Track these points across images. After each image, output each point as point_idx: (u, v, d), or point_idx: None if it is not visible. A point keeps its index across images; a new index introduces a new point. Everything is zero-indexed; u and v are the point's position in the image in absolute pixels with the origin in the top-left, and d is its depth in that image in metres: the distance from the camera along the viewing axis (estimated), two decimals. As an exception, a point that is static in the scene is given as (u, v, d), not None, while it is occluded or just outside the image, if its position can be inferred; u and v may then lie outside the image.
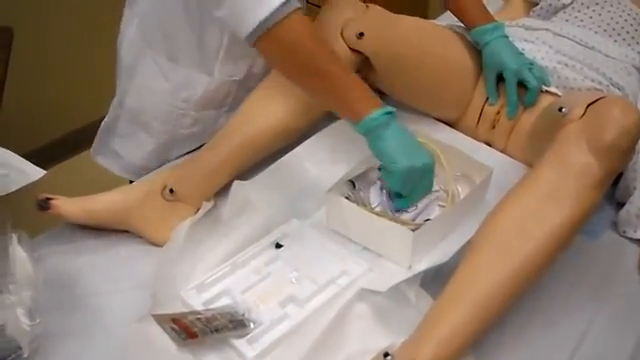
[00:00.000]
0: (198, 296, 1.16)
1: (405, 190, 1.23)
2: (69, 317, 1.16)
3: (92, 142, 1.59)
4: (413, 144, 1.22)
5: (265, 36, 1.14)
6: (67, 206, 1.29)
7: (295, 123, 1.38)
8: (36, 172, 1.21)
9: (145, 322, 1.10)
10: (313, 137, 1.43)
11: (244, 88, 1.47)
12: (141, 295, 1.17)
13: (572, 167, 1.12)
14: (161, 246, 1.28)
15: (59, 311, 1.15)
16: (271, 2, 1.11)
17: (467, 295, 1.06)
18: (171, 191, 1.30)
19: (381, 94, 1.54)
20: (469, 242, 1.14)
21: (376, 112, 1.18)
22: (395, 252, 1.21)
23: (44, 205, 1.28)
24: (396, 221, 1.24)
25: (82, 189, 1.34)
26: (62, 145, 2.64)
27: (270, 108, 1.36)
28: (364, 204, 1.28)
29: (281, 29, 1.14)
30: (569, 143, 1.14)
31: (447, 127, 1.57)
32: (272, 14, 1.12)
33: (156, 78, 1.45)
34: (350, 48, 1.36)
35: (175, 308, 1.14)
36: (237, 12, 1.15)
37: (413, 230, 1.17)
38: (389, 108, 1.20)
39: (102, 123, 1.58)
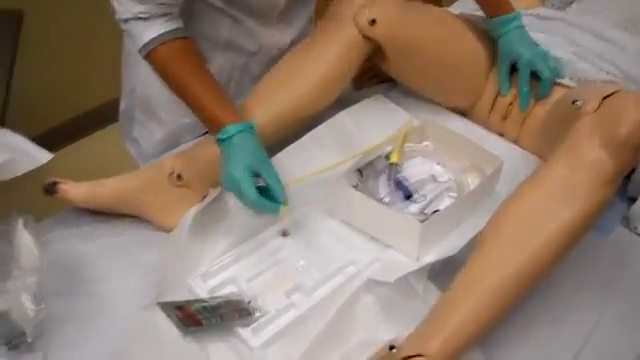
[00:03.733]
0: (204, 284, 1.16)
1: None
2: (74, 302, 1.15)
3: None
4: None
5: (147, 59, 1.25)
6: (75, 190, 1.28)
7: (302, 111, 1.37)
8: (44, 155, 1.21)
9: (150, 309, 1.10)
10: (320, 126, 1.41)
11: (247, 74, 1.45)
12: (147, 282, 1.17)
13: (584, 163, 1.11)
14: (169, 231, 1.28)
15: (64, 296, 1.15)
16: (142, 38, 1.22)
17: (475, 290, 1.05)
18: (179, 177, 1.30)
19: (393, 81, 1.54)
20: (478, 235, 1.13)
21: (230, 126, 1.17)
22: (403, 243, 1.20)
23: (51, 189, 1.27)
24: (404, 211, 1.23)
25: (90, 173, 1.34)
26: (70, 128, 2.62)
27: (277, 95, 1.34)
28: (372, 194, 1.27)
29: (151, 59, 1.24)
30: (582, 138, 1.13)
31: (459, 116, 1.55)
32: (143, 47, 1.22)
33: None
34: (362, 35, 1.35)
35: (181, 296, 1.14)
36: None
37: (422, 221, 1.16)
38: (245, 124, 1.19)
39: (120, 110, 1.57)
